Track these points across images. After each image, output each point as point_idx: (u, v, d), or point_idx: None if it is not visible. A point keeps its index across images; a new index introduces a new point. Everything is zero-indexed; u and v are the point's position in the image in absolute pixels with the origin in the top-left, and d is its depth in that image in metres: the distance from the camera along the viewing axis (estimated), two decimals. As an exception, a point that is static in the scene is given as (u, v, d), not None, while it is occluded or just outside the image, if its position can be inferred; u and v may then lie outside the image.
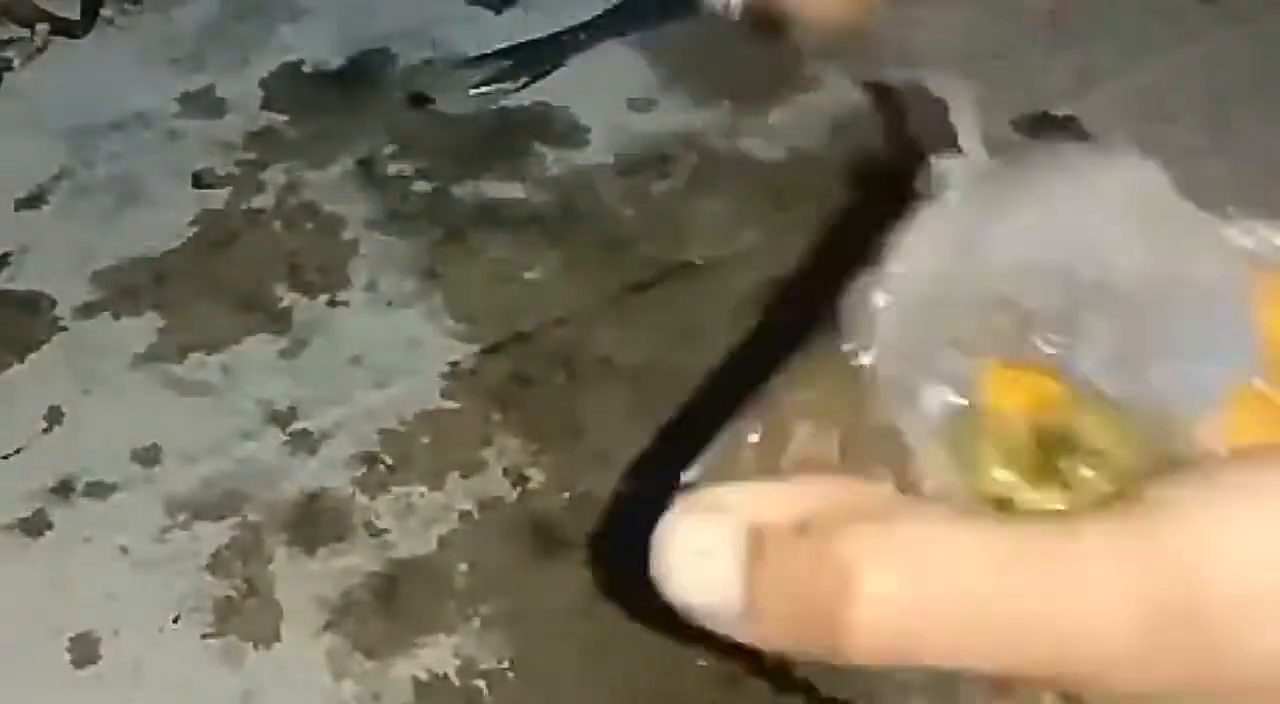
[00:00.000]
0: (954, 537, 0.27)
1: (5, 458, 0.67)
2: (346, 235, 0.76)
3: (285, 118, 0.83)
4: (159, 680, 0.58)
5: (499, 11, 0.89)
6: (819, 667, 0.32)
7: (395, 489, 0.64)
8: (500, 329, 0.71)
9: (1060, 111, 0.81)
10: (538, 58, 0.86)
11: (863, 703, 0.36)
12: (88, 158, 0.81)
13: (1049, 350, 0.28)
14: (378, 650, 0.59)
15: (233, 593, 0.61)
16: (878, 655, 0.29)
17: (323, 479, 0.65)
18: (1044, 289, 0.28)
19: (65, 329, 0.72)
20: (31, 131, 0.83)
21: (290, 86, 0.85)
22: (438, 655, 0.59)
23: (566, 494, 0.64)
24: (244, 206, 0.78)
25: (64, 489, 0.65)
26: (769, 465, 0.31)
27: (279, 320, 0.72)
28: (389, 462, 0.65)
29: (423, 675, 0.58)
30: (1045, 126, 0.81)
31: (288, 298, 0.73)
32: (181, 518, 0.64)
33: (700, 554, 0.30)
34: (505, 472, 0.65)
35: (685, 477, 0.31)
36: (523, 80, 0.84)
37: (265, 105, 0.84)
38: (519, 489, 0.64)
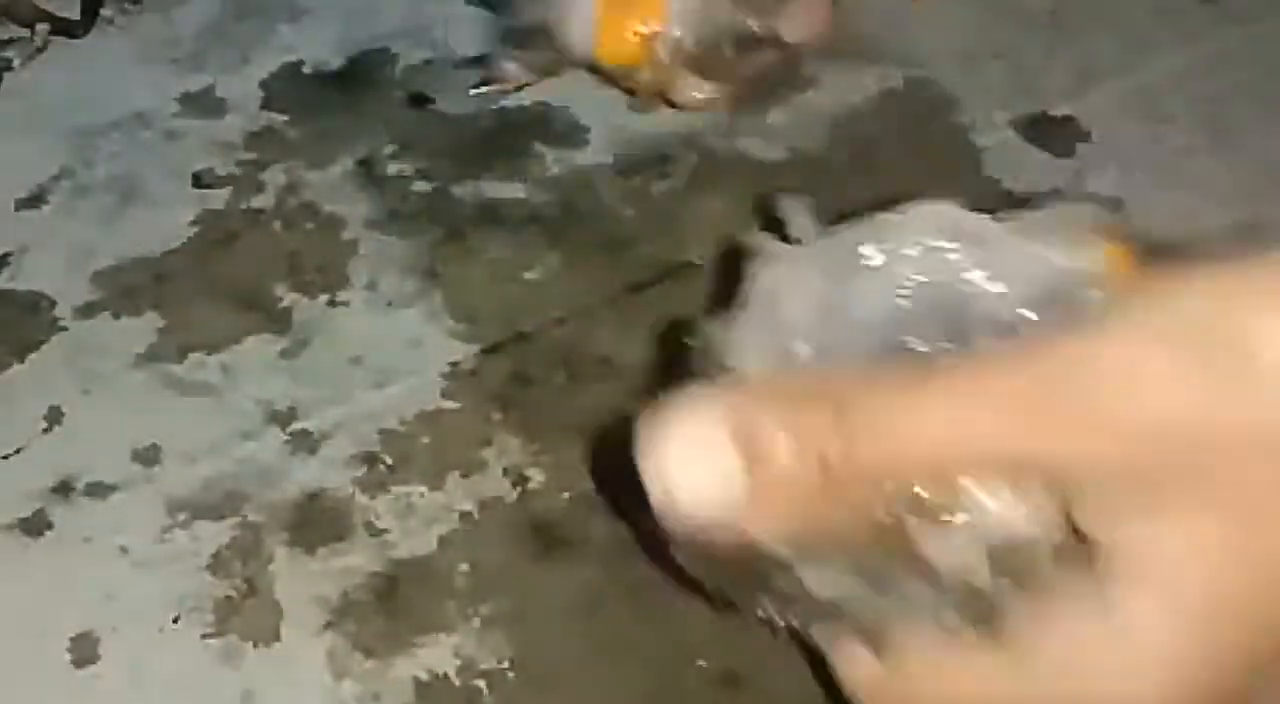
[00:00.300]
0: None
1: (5, 458, 0.67)
2: (346, 235, 0.76)
3: (285, 118, 0.83)
4: (159, 680, 0.58)
5: (499, 12, 0.89)
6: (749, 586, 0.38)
7: (395, 489, 0.65)
8: (500, 329, 0.71)
9: (1060, 111, 0.81)
10: (538, 58, 0.86)
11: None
12: (88, 158, 0.81)
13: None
14: (378, 650, 0.59)
15: (233, 593, 0.61)
16: (869, 475, 0.32)
17: (323, 479, 0.65)
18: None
19: (65, 329, 0.72)
20: (31, 131, 0.83)
21: (290, 86, 0.85)
22: (438, 655, 0.59)
23: (566, 494, 0.64)
24: (244, 206, 0.78)
25: (64, 489, 0.65)
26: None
27: (279, 320, 0.72)
28: (389, 462, 0.65)
29: (423, 675, 0.58)
30: (1045, 126, 0.81)
31: (288, 298, 0.73)
32: (181, 518, 0.64)
33: (698, 445, 0.31)
34: (505, 471, 0.65)
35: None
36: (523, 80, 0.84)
37: (265, 105, 0.84)
38: (519, 489, 0.64)
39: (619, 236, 0.75)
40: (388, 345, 0.71)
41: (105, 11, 0.90)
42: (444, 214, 0.77)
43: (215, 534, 0.63)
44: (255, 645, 0.59)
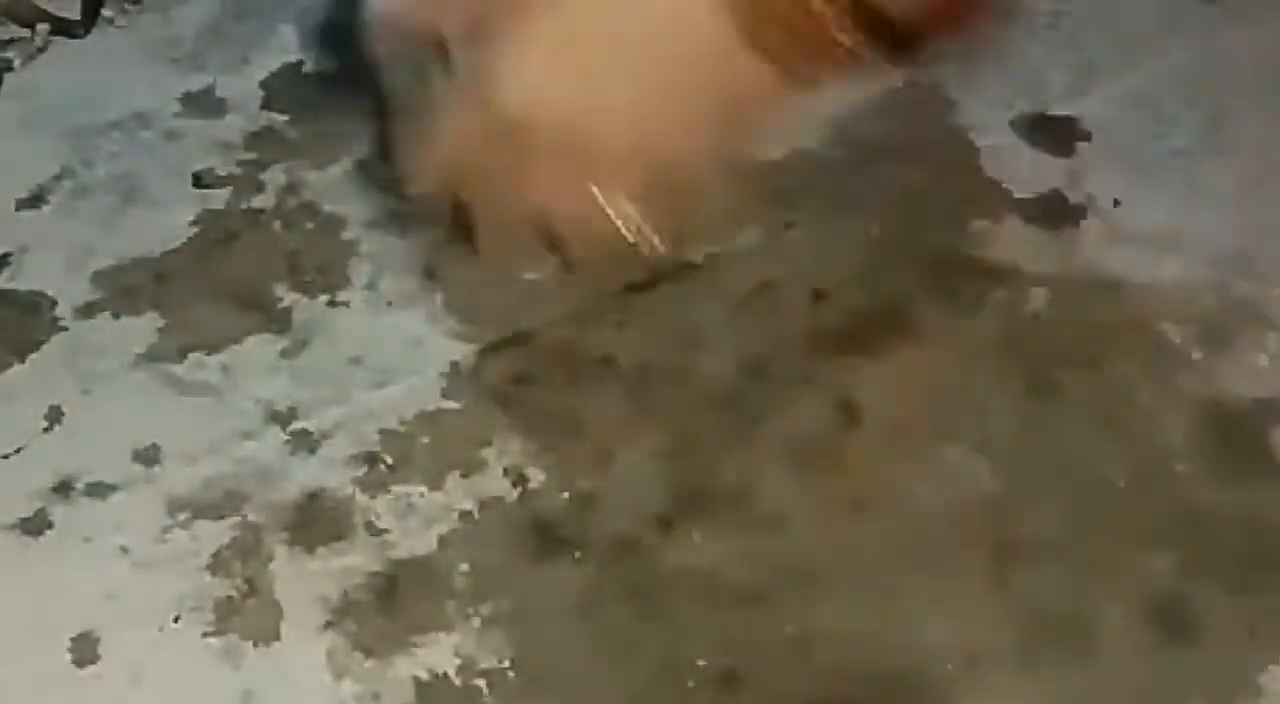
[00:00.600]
0: None
1: (5, 458, 0.67)
2: (346, 235, 0.76)
3: (285, 118, 0.83)
4: (159, 680, 0.58)
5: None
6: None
7: (395, 489, 0.65)
8: (500, 329, 0.71)
9: (1060, 111, 0.81)
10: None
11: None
12: (88, 158, 0.81)
13: None
14: (378, 650, 0.59)
15: (233, 593, 0.61)
16: None
17: (323, 479, 0.65)
18: None
19: (65, 329, 0.72)
20: (31, 131, 0.83)
21: (290, 86, 0.85)
22: (438, 655, 0.59)
23: (566, 494, 0.64)
24: (244, 206, 0.78)
25: (64, 489, 0.65)
26: None
27: (279, 320, 0.72)
28: (389, 462, 0.66)
29: (423, 675, 0.58)
30: (1045, 126, 0.81)
31: (288, 298, 0.73)
32: (181, 518, 0.64)
33: None
34: (505, 472, 0.65)
35: None
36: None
37: (265, 105, 0.84)
38: (519, 489, 0.64)
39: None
40: (388, 345, 0.71)
41: (105, 11, 0.90)
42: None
43: (215, 534, 0.63)
44: (255, 645, 0.59)
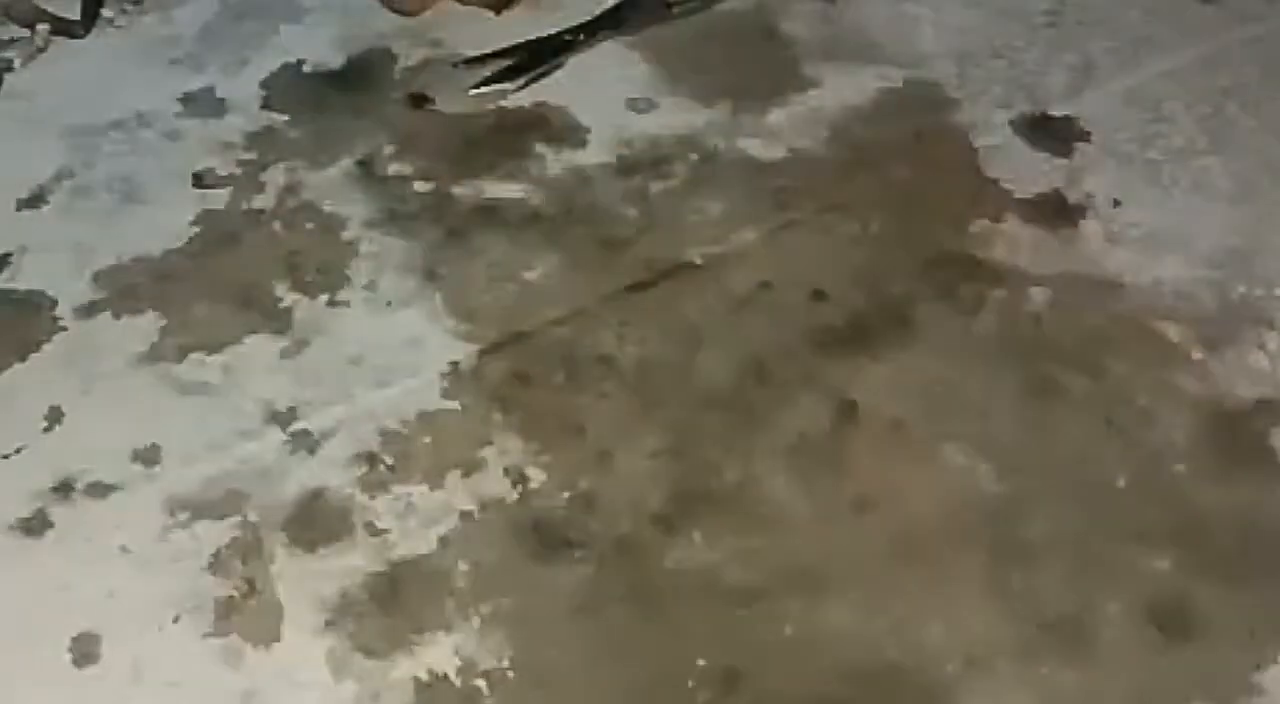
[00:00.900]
0: None
1: (5, 458, 0.67)
2: (346, 235, 0.76)
3: (285, 118, 0.83)
4: (159, 680, 0.58)
5: (498, 11, 0.89)
6: None
7: (395, 489, 0.65)
8: (500, 329, 0.71)
9: (1060, 111, 0.81)
10: (538, 58, 0.86)
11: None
12: (88, 158, 0.81)
13: None
14: (378, 650, 0.59)
15: (233, 593, 0.61)
16: None
17: (323, 479, 0.65)
18: None
19: (65, 329, 0.72)
20: (31, 131, 0.83)
21: (290, 86, 0.85)
22: (438, 655, 0.59)
23: (566, 494, 0.64)
24: (244, 206, 0.78)
25: (64, 489, 0.65)
26: None
27: (279, 320, 0.72)
28: (389, 462, 0.66)
29: (423, 675, 0.58)
30: (1045, 126, 0.81)
31: (288, 298, 0.73)
32: (182, 518, 0.64)
33: None
34: (505, 471, 0.65)
35: None
36: (522, 80, 0.84)
37: (265, 105, 0.84)
38: (519, 489, 0.64)
39: (619, 237, 0.75)
40: (388, 345, 0.71)
41: (105, 12, 0.90)
42: (444, 214, 0.77)
43: (215, 534, 0.63)
44: (255, 645, 0.59)
